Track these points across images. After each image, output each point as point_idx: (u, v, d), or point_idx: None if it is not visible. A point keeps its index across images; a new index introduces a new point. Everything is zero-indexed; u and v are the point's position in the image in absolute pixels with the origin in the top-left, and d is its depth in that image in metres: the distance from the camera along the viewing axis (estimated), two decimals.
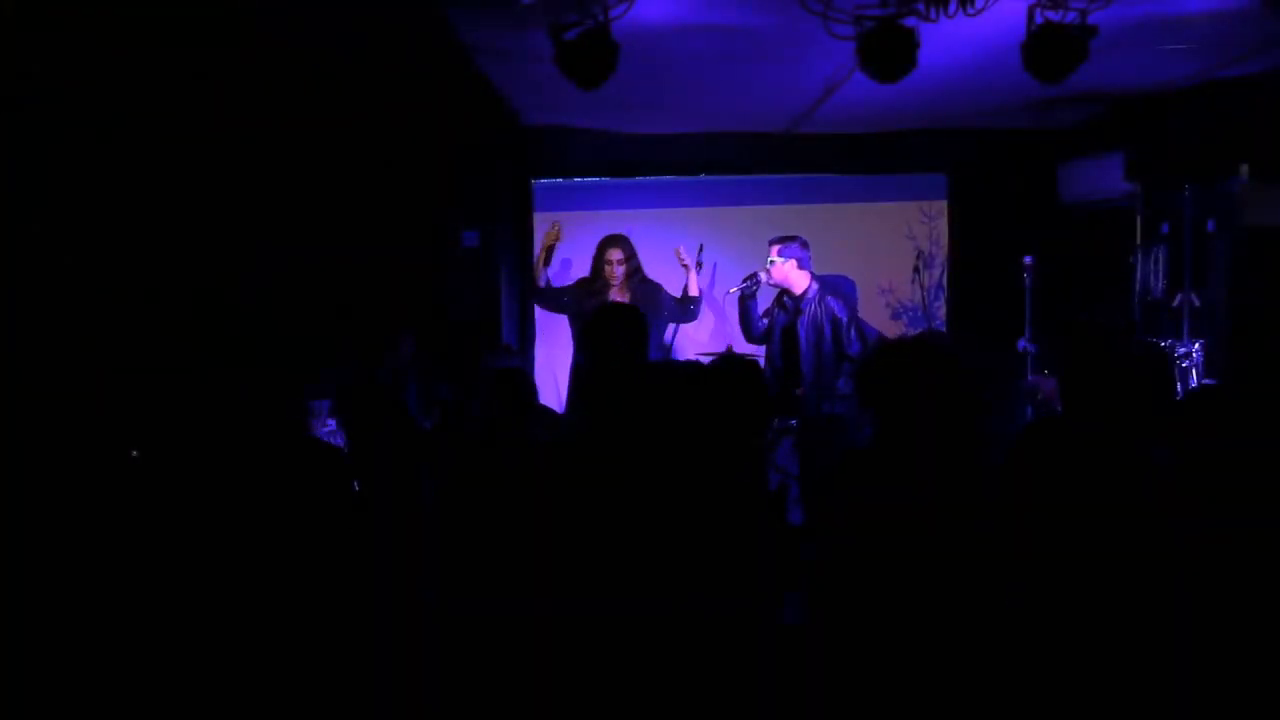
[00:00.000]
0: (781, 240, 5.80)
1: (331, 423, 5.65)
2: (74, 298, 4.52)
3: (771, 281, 5.82)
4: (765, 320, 5.95)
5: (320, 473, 2.83)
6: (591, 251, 6.60)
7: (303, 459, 2.83)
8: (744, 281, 5.91)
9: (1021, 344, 5.54)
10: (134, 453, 3.19)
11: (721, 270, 7.18)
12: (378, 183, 6.47)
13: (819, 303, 5.70)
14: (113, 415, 3.59)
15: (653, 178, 7.36)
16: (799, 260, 5.76)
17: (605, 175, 7.37)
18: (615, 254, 6.18)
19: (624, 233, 6.49)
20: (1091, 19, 4.21)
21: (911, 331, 7.11)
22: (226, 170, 5.57)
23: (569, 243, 7.27)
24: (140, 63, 4.66)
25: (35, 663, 2.65)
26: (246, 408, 2.81)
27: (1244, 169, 5.74)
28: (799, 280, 5.77)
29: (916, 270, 6.26)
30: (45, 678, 2.64)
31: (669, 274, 6.54)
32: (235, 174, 5.64)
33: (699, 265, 6.42)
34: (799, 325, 5.72)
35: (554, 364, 6.38)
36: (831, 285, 5.92)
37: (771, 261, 5.77)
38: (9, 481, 2.94)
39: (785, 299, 5.86)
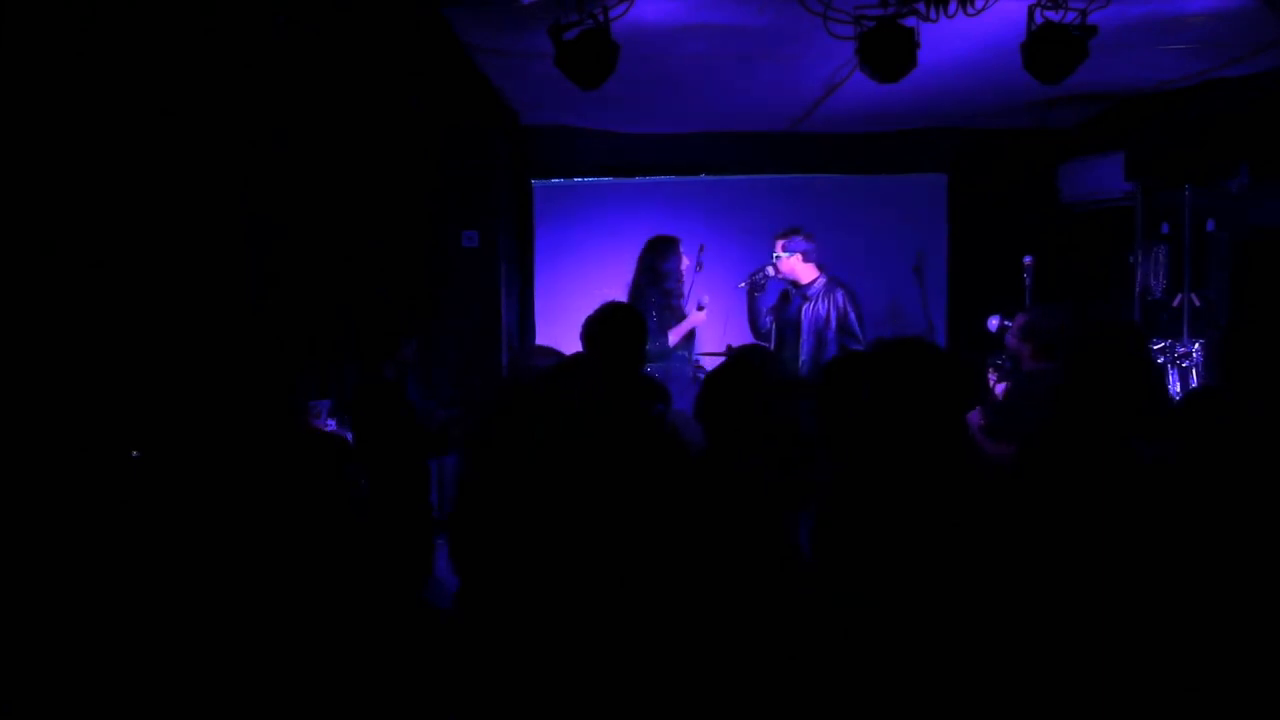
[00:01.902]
0: (785, 234, 5.89)
1: (331, 423, 5.66)
2: (73, 298, 4.52)
3: (780, 275, 5.92)
4: (771, 316, 6.02)
5: (325, 461, 2.83)
6: (589, 251, 6.60)
7: (306, 451, 2.84)
8: (752, 275, 5.99)
9: (993, 323, 5.49)
10: (134, 453, 3.19)
11: (721, 270, 7.18)
12: (377, 182, 6.47)
13: (826, 295, 5.78)
14: (113, 415, 3.59)
15: (653, 178, 7.36)
16: (804, 253, 5.86)
17: (605, 175, 7.37)
18: (683, 250, 6.19)
19: (623, 232, 6.49)
20: (1091, 19, 4.21)
21: (911, 331, 7.10)
22: (227, 171, 5.57)
23: (567, 243, 7.28)
24: (141, 62, 4.66)
25: (36, 661, 2.65)
26: (246, 408, 2.81)
27: (1244, 169, 5.74)
28: (806, 272, 5.87)
29: (916, 270, 6.26)
30: (46, 676, 2.64)
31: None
32: (235, 175, 5.64)
33: (699, 266, 6.43)
34: (804, 314, 5.79)
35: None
36: (841, 279, 5.99)
37: (778, 256, 5.87)
38: (9, 481, 2.94)
39: (792, 290, 5.93)
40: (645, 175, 7.36)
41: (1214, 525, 2.52)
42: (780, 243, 5.88)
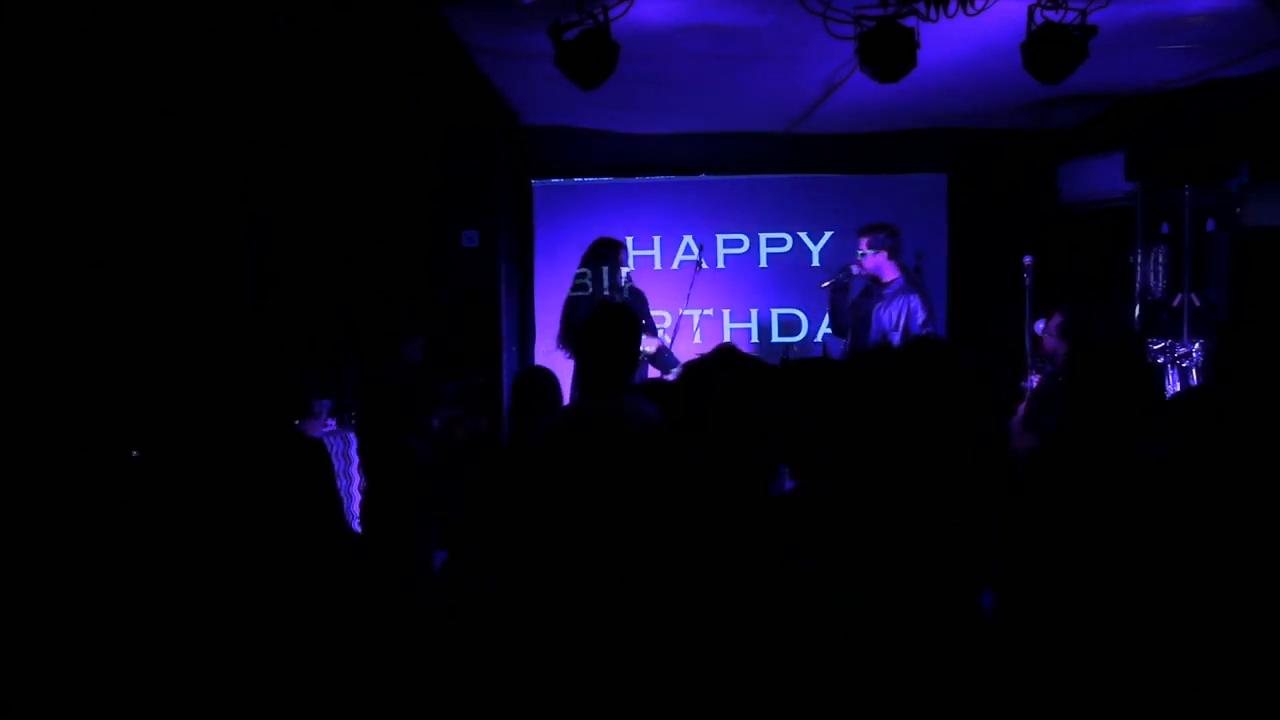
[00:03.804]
0: (869, 231, 5.82)
1: (332, 423, 5.66)
2: (73, 298, 4.52)
3: (865, 271, 5.85)
4: (853, 312, 5.98)
5: (308, 468, 2.83)
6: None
7: (293, 455, 2.84)
8: (837, 274, 5.93)
9: (1040, 327, 5.56)
10: (134, 453, 3.18)
11: (721, 270, 7.20)
12: (377, 183, 6.47)
13: (902, 294, 5.75)
14: (113, 415, 3.59)
15: (653, 178, 7.36)
16: (890, 249, 5.79)
17: (605, 175, 7.38)
18: (625, 255, 6.17)
19: (623, 232, 6.49)
20: (1091, 19, 4.21)
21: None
22: (227, 171, 5.56)
23: (567, 243, 7.28)
24: (141, 62, 4.66)
25: (35, 661, 2.65)
26: (247, 408, 2.81)
27: (1244, 169, 5.74)
28: (888, 270, 5.80)
29: (917, 270, 6.27)
30: (45, 676, 2.64)
31: (668, 276, 6.56)
32: (235, 175, 5.64)
33: (700, 266, 6.43)
34: (875, 314, 5.76)
35: (554, 364, 6.37)
36: (919, 283, 5.98)
37: (863, 254, 5.80)
38: (9, 481, 2.94)
39: (874, 287, 5.89)
40: (645, 175, 7.36)
41: (1219, 523, 2.52)
42: (865, 240, 5.80)
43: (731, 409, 2.88)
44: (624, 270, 6.07)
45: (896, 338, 5.67)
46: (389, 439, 4.55)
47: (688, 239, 6.79)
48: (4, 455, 3.17)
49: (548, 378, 4.26)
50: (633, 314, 3.78)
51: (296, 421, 4.73)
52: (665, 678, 2.49)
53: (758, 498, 2.70)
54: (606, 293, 5.95)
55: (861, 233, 5.85)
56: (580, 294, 6.04)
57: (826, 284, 5.97)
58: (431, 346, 5.42)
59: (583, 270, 6.10)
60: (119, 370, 4.20)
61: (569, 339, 6.05)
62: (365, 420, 4.66)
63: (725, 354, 3.03)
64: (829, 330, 6.36)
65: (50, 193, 4.52)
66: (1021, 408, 4.54)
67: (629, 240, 6.40)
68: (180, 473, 2.79)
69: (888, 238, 5.79)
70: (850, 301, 5.96)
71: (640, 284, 6.27)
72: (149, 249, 5.09)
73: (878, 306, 5.76)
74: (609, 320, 3.68)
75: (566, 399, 6.07)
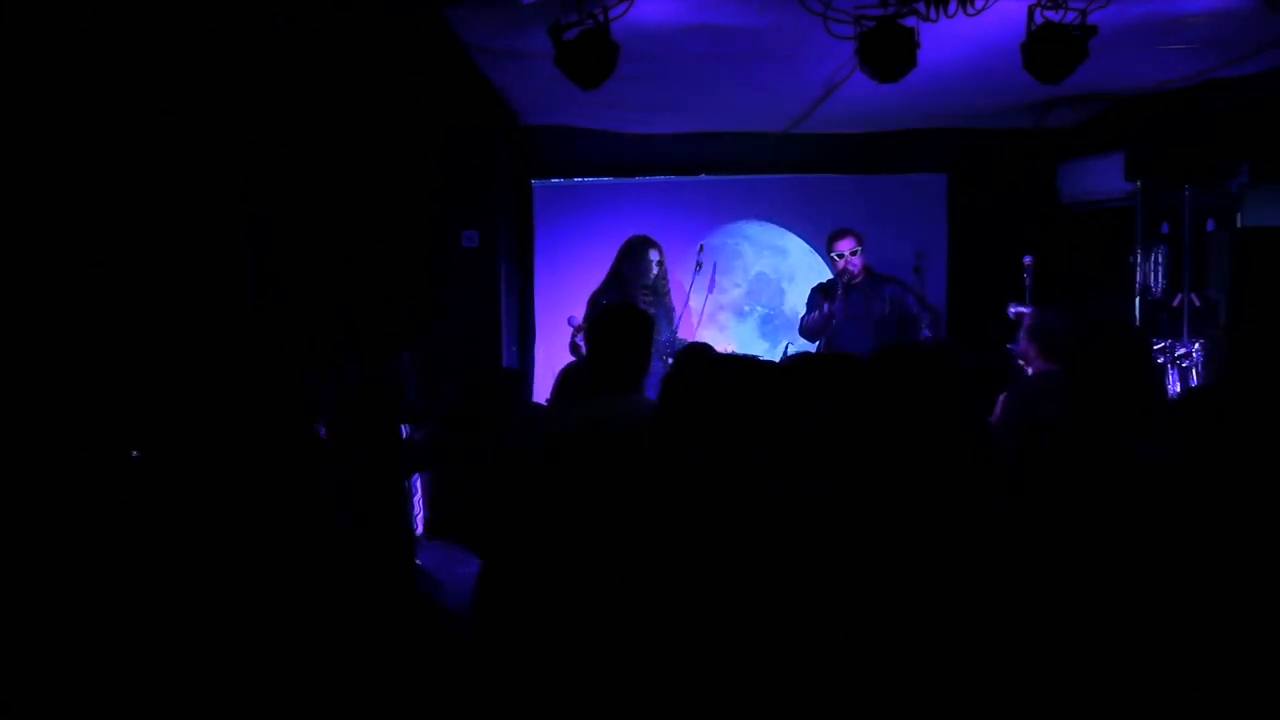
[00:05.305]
0: (849, 233, 6.21)
1: None
2: (73, 298, 4.52)
3: (859, 272, 6.21)
4: (838, 314, 6.20)
5: (305, 469, 2.84)
6: (589, 251, 6.62)
7: (290, 456, 2.84)
8: (841, 281, 6.21)
9: (1013, 310, 5.70)
10: (134, 453, 3.19)
11: (721, 272, 7.18)
12: (377, 183, 6.46)
13: (880, 285, 6.18)
14: (113, 415, 3.59)
15: (653, 178, 7.36)
16: (860, 248, 6.21)
17: (605, 175, 7.38)
18: (655, 254, 6.26)
19: (624, 232, 6.51)
20: (1091, 19, 4.22)
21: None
22: (227, 171, 5.56)
23: (567, 243, 7.28)
24: (141, 62, 4.66)
25: (34, 660, 2.65)
26: (244, 408, 2.82)
27: (1244, 169, 5.74)
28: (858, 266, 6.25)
29: (916, 270, 6.29)
30: (45, 674, 2.64)
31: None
32: (235, 175, 5.63)
33: (699, 266, 6.45)
34: (869, 306, 6.13)
35: (554, 364, 6.37)
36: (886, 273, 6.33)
37: (854, 253, 6.17)
38: (10, 481, 2.94)
39: (847, 285, 6.18)
40: (645, 175, 7.36)
41: (1219, 526, 2.52)
42: (849, 241, 6.16)
43: (730, 408, 2.88)
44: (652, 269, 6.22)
45: (893, 327, 5.96)
46: (385, 439, 4.54)
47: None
48: (4, 455, 3.18)
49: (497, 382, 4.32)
50: (647, 318, 3.77)
51: (298, 425, 4.72)
52: (665, 679, 2.49)
53: (758, 498, 2.70)
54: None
55: (841, 236, 6.22)
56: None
57: (840, 290, 6.19)
58: (428, 348, 5.42)
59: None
60: (119, 371, 4.20)
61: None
62: (362, 420, 4.65)
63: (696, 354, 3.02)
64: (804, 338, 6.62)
65: (50, 193, 4.52)
66: (998, 408, 4.50)
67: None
68: (180, 473, 2.80)
69: (856, 237, 6.22)
70: (834, 305, 6.20)
71: None
72: (149, 249, 5.09)
73: (867, 300, 6.12)
74: (616, 321, 3.68)
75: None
